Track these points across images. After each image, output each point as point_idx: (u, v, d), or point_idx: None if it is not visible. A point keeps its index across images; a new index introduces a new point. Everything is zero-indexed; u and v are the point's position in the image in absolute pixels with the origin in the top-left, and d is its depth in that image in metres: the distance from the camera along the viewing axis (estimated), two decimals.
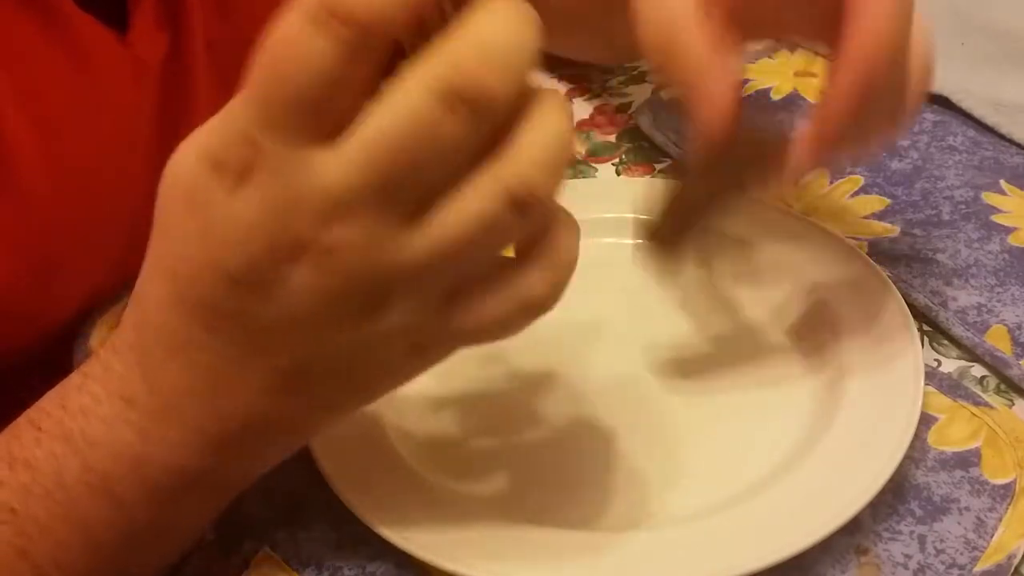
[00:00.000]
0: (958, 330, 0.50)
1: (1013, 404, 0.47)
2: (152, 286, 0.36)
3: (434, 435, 0.47)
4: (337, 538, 0.43)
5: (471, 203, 0.32)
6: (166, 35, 0.51)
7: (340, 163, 0.32)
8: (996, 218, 0.56)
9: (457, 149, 0.32)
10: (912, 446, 0.43)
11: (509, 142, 0.33)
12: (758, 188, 0.45)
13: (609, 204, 0.55)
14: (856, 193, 0.59)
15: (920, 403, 0.44)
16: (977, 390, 0.48)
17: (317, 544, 0.43)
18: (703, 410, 0.48)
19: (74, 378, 0.38)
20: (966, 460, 0.45)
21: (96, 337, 0.52)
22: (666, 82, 0.44)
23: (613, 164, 0.64)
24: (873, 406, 0.45)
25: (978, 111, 0.63)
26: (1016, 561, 0.41)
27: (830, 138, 0.42)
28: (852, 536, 0.42)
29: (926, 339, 0.50)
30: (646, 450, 0.46)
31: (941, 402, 0.47)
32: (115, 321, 0.52)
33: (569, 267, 0.35)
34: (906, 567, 0.41)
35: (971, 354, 0.50)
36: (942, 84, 0.65)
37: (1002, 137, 0.62)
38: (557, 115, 0.33)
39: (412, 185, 0.32)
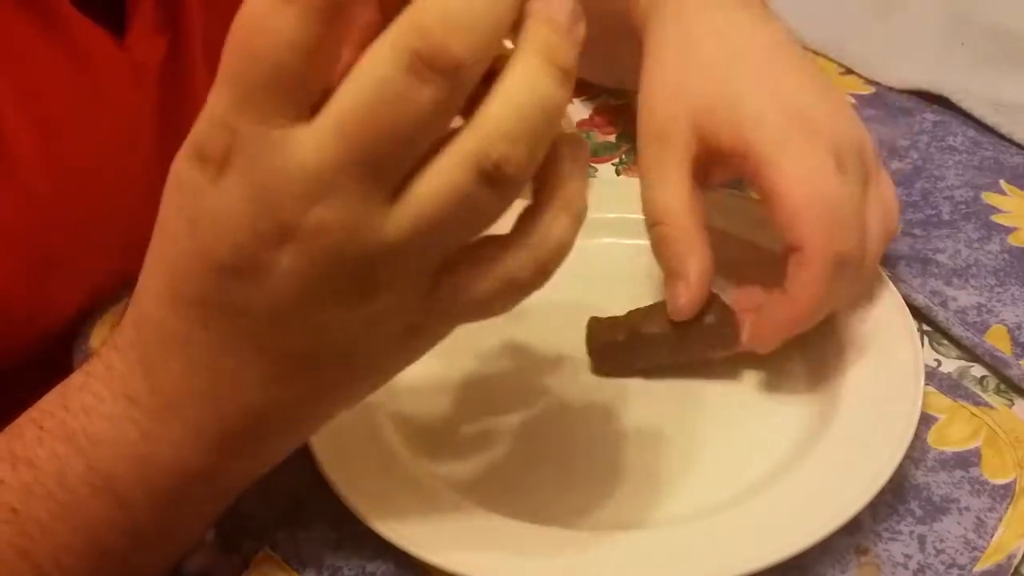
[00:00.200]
0: (958, 330, 0.50)
1: (1013, 404, 0.47)
2: (151, 282, 0.36)
3: (434, 435, 0.47)
4: (337, 538, 0.43)
5: (442, 176, 0.32)
6: (165, 38, 0.51)
7: (315, 140, 0.31)
8: (996, 218, 0.56)
9: (430, 119, 0.31)
10: (912, 446, 0.43)
11: (478, 112, 0.32)
12: (720, 351, 0.48)
13: (609, 204, 0.55)
14: None
15: (920, 403, 0.44)
16: (977, 390, 0.48)
17: (317, 544, 0.43)
18: (703, 410, 0.48)
19: (76, 377, 0.38)
20: (966, 460, 0.45)
21: (96, 337, 0.52)
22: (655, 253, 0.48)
23: (613, 164, 0.64)
24: (873, 406, 0.45)
25: (978, 111, 0.63)
26: (1016, 561, 0.41)
27: (785, 333, 0.47)
28: (852, 536, 0.42)
29: (926, 339, 0.50)
30: (646, 450, 0.46)
31: (941, 402, 0.47)
32: (115, 321, 0.52)
33: (558, 251, 0.35)
34: (906, 567, 0.41)
35: (971, 354, 0.50)
36: (942, 84, 0.65)
37: (1002, 137, 0.62)
38: (532, 82, 0.32)
39: (389, 158, 0.32)
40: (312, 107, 0.32)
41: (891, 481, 0.41)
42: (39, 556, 0.37)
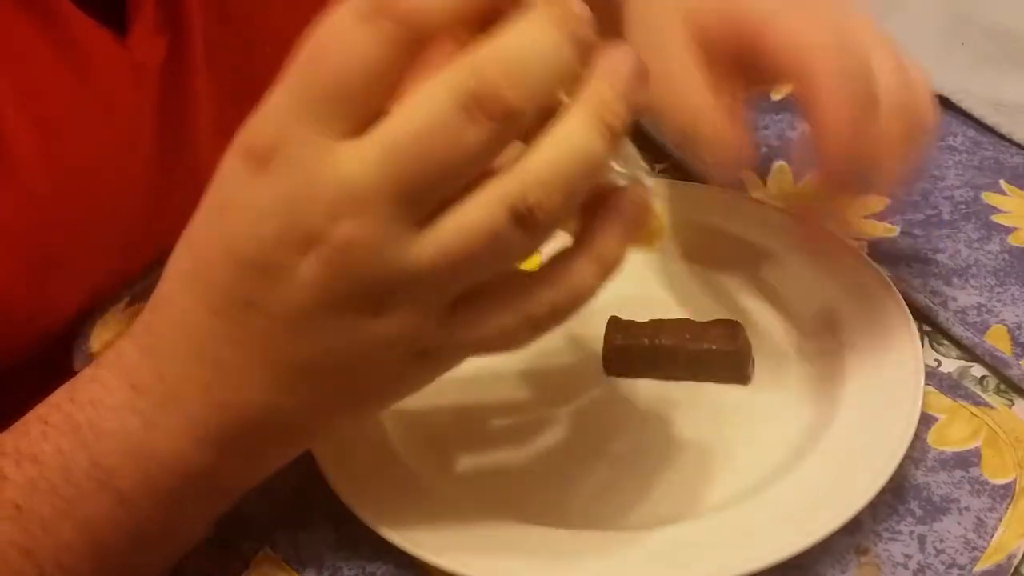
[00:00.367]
0: (958, 330, 0.50)
1: (1013, 404, 0.47)
2: (175, 265, 0.37)
3: (434, 435, 0.47)
4: (337, 538, 0.43)
5: (475, 212, 0.33)
6: (165, 38, 0.51)
7: (359, 157, 0.32)
8: (996, 218, 0.56)
9: (474, 158, 0.32)
10: (912, 446, 0.43)
11: (522, 156, 0.33)
12: (731, 380, 0.49)
13: None
14: None
15: (920, 403, 0.44)
16: (977, 390, 0.48)
17: (317, 544, 0.43)
18: (703, 410, 0.48)
19: (87, 370, 0.39)
20: (966, 460, 0.45)
21: (96, 337, 0.51)
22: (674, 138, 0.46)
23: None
24: (873, 406, 0.45)
25: (978, 111, 0.63)
26: (1016, 561, 0.41)
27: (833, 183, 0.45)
28: (852, 536, 0.42)
29: (926, 339, 0.50)
30: (645, 451, 0.46)
31: (941, 402, 0.47)
32: (115, 321, 0.52)
33: (579, 298, 0.36)
34: (906, 567, 0.41)
35: (971, 354, 0.50)
36: (942, 84, 0.65)
37: (1002, 137, 0.62)
38: (578, 135, 0.33)
39: (426, 188, 0.32)
40: (366, 125, 0.32)
41: (891, 481, 0.41)
42: (41, 555, 0.37)
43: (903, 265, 0.54)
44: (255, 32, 0.56)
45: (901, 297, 0.49)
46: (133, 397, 0.37)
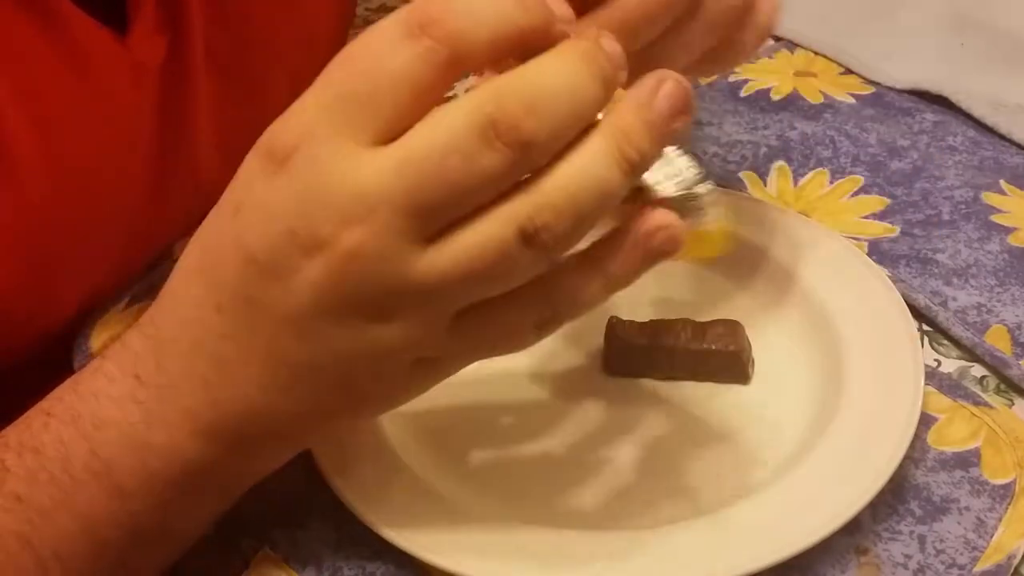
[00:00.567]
0: (958, 330, 0.50)
1: (1013, 404, 0.47)
2: (186, 259, 0.37)
3: (434, 434, 0.47)
4: (337, 538, 0.43)
5: (485, 229, 0.33)
6: (165, 38, 0.51)
7: (375, 167, 0.32)
8: (996, 218, 0.56)
9: (487, 182, 0.32)
10: (912, 446, 0.43)
11: (537, 178, 0.33)
12: (731, 379, 0.48)
13: None
14: (856, 193, 0.59)
15: (920, 403, 0.44)
16: (977, 390, 0.48)
17: (317, 544, 0.43)
18: (703, 410, 0.48)
19: (93, 362, 0.39)
20: (966, 460, 0.45)
21: (96, 337, 0.52)
22: None
23: None
24: (873, 406, 0.45)
25: (978, 111, 0.63)
26: (1016, 561, 0.41)
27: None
28: (852, 536, 0.42)
29: (926, 339, 0.50)
30: (646, 451, 0.46)
31: (941, 402, 0.47)
32: (115, 321, 0.52)
33: (578, 309, 0.36)
34: (906, 567, 0.41)
35: (971, 354, 0.50)
36: (942, 84, 0.65)
37: (1002, 137, 0.62)
38: (595, 165, 0.33)
39: (437, 205, 0.33)
40: (390, 138, 0.33)
41: (891, 481, 0.41)
42: (40, 545, 0.37)
43: (903, 265, 0.54)
44: (255, 32, 0.56)
45: (901, 297, 0.49)
46: (135, 387, 0.37)
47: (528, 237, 0.33)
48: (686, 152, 0.38)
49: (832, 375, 0.47)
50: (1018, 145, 0.62)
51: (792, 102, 0.66)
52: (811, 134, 0.63)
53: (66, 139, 0.48)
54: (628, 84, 0.36)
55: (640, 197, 0.36)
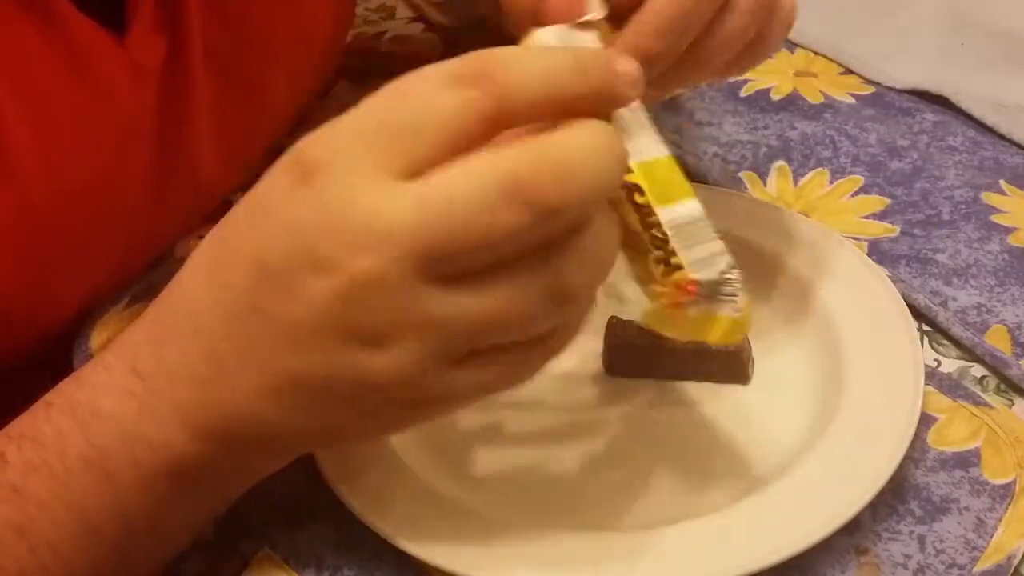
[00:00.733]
0: (958, 330, 0.50)
1: (1013, 404, 0.47)
2: (197, 257, 0.37)
3: (434, 435, 0.47)
4: (337, 538, 0.43)
5: (513, 284, 0.34)
6: (164, 38, 0.51)
7: (395, 200, 0.32)
8: (996, 218, 0.56)
9: (505, 240, 0.33)
10: (912, 446, 0.43)
11: (565, 246, 0.34)
12: (731, 380, 0.48)
13: None
14: (856, 193, 0.59)
15: (920, 403, 0.44)
16: (977, 390, 0.48)
17: (317, 544, 0.43)
18: (703, 410, 0.48)
19: (97, 356, 0.39)
20: (966, 460, 0.45)
21: (96, 337, 0.52)
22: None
23: None
24: (873, 406, 0.45)
25: (978, 111, 0.63)
26: (1016, 561, 0.41)
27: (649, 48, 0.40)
28: (852, 536, 0.42)
29: (926, 339, 0.50)
30: (646, 451, 0.46)
31: (941, 402, 0.47)
32: (115, 321, 0.52)
33: (563, 349, 0.37)
34: (906, 567, 0.41)
35: (971, 354, 0.50)
36: (942, 84, 0.65)
37: (1002, 137, 0.62)
38: (611, 239, 0.35)
39: (451, 254, 0.33)
40: (417, 176, 0.33)
41: (891, 481, 0.41)
42: (34, 536, 0.37)
43: (903, 265, 0.54)
44: (254, 32, 0.56)
45: (901, 297, 0.49)
46: (132, 380, 0.37)
47: (559, 299, 0.34)
48: (716, 234, 0.38)
49: (832, 375, 0.47)
50: (1018, 145, 0.62)
51: (792, 102, 0.66)
52: (811, 134, 0.63)
53: (65, 140, 0.48)
54: (678, 83, 0.36)
55: (676, 274, 0.37)
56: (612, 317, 0.49)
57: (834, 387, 0.46)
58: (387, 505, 0.42)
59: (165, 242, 0.55)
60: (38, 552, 0.37)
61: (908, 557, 0.41)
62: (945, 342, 0.50)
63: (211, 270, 0.37)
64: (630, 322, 0.49)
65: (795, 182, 0.60)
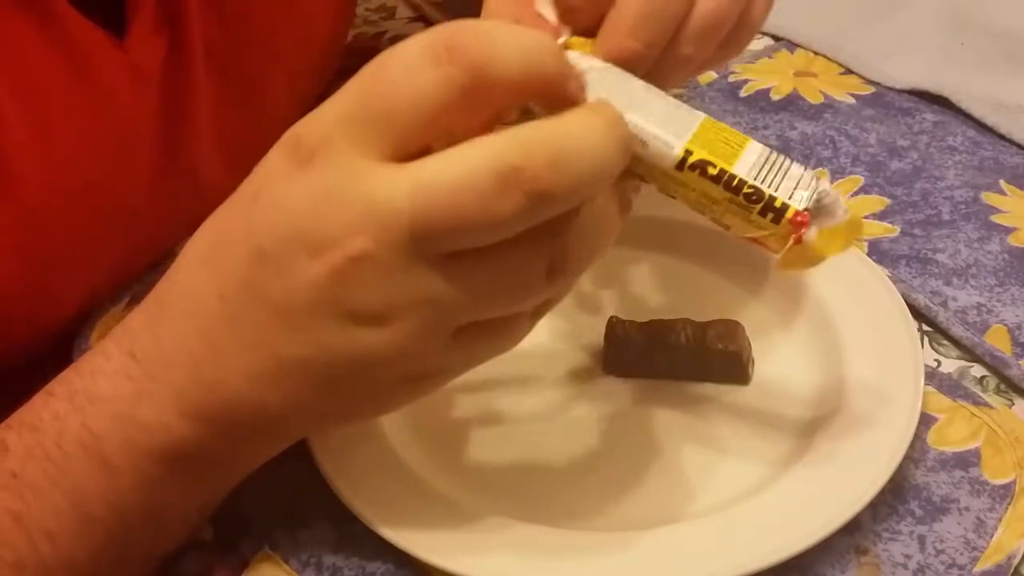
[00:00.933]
0: (958, 330, 0.50)
1: (1013, 404, 0.47)
2: (195, 241, 0.38)
3: (434, 435, 0.47)
4: (337, 538, 0.43)
5: (511, 262, 0.34)
6: (164, 39, 0.51)
7: (390, 184, 0.33)
8: (996, 218, 0.56)
9: (498, 226, 0.33)
10: (912, 446, 0.43)
11: (565, 225, 0.34)
12: (729, 380, 0.48)
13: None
14: (856, 193, 0.59)
15: (920, 403, 0.44)
16: (977, 390, 0.48)
17: (317, 544, 0.43)
18: (703, 410, 0.48)
19: (98, 344, 0.39)
20: (966, 460, 0.45)
21: (96, 337, 0.52)
22: None
23: None
24: (873, 407, 0.45)
25: (978, 111, 0.63)
26: (1016, 561, 0.41)
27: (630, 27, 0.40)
28: (852, 536, 0.42)
29: (926, 339, 0.50)
30: (645, 451, 0.46)
31: (941, 402, 0.47)
32: (115, 321, 0.52)
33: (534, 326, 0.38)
34: (906, 567, 0.41)
35: (971, 354, 0.50)
36: (942, 84, 0.65)
37: (1002, 137, 0.62)
38: (612, 216, 0.36)
39: (445, 236, 0.33)
40: (408, 157, 0.33)
41: (891, 481, 0.41)
42: (30, 521, 0.37)
43: (903, 265, 0.54)
44: (254, 32, 0.56)
45: (901, 297, 0.49)
46: (130, 364, 0.37)
47: (553, 272, 0.34)
48: (782, 154, 0.38)
49: (832, 375, 0.47)
50: (1018, 145, 0.62)
51: (792, 102, 0.66)
52: (811, 134, 0.63)
53: (65, 140, 0.48)
54: (669, 79, 0.36)
55: (786, 215, 0.37)
56: (612, 317, 0.49)
57: (834, 387, 0.46)
58: (386, 505, 0.42)
59: (165, 242, 0.55)
60: (36, 541, 0.37)
61: (908, 557, 0.41)
62: (945, 342, 0.50)
63: (209, 254, 0.37)
64: (630, 322, 0.49)
65: None
